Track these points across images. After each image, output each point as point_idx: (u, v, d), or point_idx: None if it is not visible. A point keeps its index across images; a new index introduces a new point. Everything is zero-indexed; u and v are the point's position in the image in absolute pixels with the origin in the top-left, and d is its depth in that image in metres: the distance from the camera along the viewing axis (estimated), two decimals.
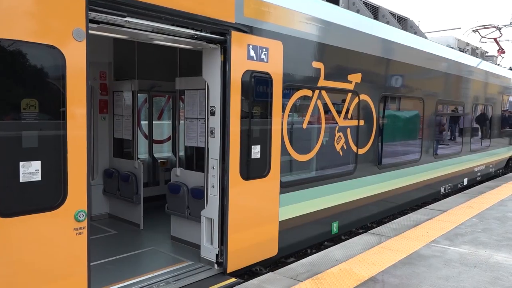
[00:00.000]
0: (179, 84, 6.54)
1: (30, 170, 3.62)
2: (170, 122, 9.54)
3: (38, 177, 3.67)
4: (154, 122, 9.15)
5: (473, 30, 16.53)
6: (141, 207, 7.29)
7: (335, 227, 7.35)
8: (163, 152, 9.87)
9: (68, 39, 3.76)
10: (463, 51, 12.65)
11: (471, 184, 12.79)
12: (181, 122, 10.04)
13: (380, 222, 8.97)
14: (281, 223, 6.14)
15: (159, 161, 9.10)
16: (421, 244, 6.56)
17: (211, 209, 5.50)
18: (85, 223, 3.90)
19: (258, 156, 5.70)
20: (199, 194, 6.01)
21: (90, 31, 3.99)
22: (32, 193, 3.65)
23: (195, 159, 6.59)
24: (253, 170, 5.69)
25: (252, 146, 5.61)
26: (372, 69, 7.98)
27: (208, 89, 5.54)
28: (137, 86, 7.30)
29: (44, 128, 3.72)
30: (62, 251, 3.78)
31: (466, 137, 12.41)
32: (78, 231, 3.86)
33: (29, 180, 3.61)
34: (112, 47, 7.82)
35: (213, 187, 5.45)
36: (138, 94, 8.58)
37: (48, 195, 3.74)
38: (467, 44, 13.54)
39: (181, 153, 8.04)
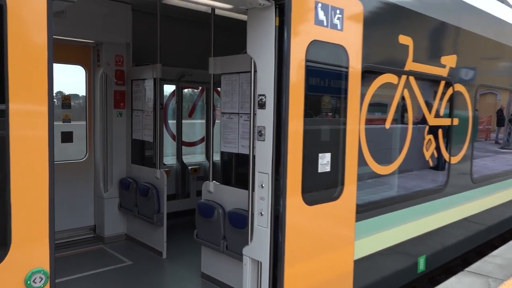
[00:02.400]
0: (213, 66, 4.79)
1: None
2: (204, 121, 7.85)
3: None
4: (184, 120, 7.50)
5: None
6: (164, 230, 5.61)
7: (421, 263, 5.40)
8: (195, 156, 8.20)
9: None
10: None
11: None
12: (216, 121, 8.38)
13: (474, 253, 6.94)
14: (357, 263, 4.28)
15: (189, 167, 7.42)
16: None
17: (258, 248, 3.71)
18: None
19: (328, 169, 3.87)
20: (240, 222, 4.25)
21: None
22: None
23: (235, 170, 4.85)
24: (321, 189, 3.87)
25: (320, 155, 3.79)
26: (471, 51, 5.96)
27: (255, 70, 3.76)
28: (160, 72, 5.62)
29: None
30: None
31: None
32: None
33: None
34: (131, 24, 6.19)
35: (262, 214, 3.66)
36: (164, 85, 6.94)
37: None
38: None
39: (217, 159, 6.33)
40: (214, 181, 4.84)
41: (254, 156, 3.76)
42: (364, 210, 4.36)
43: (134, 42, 6.25)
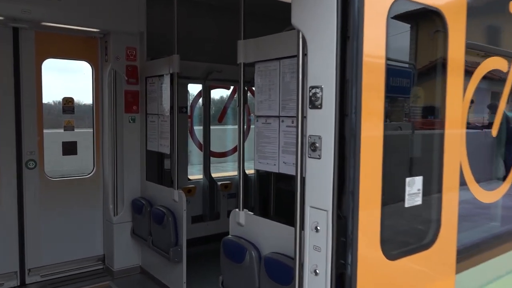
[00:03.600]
0: (243, 51, 3.51)
1: None
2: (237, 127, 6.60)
3: None
4: (213, 126, 6.28)
5: None
6: (183, 267, 4.38)
7: None
8: (226, 169, 6.96)
9: None
10: None
11: None
12: (252, 126, 7.09)
13: None
14: None
15: (219, 183, 6.18)
16: None
17: None
18: None
19: (419, 201, 2.49)
20: (282, 275, 2.93)
21: None
22: None
23: (275, 198, 3.56)
24: (409, 234, 2.51)
25: (408, 181, 2.42)
26: None
27: (304, 52, 2.45)
28: (177, 66, 4.40)
29: None
30: None
31: None
32: None
33: None
34: (145, 9, 5.04)
35: (316, 273, 2.33)
36: (189, 84, 5.77)
37: None
38: None
39: (251, 174, 5.06)
40: (246, 210, 3.55)
41: (303, 181, 2.44)
42: (465, 257, 2.94)
43: (149, 31, 5.08)
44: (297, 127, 2.57)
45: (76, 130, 5.14)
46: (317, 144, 2.31)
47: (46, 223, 4.90)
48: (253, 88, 6.15)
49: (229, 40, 5.12)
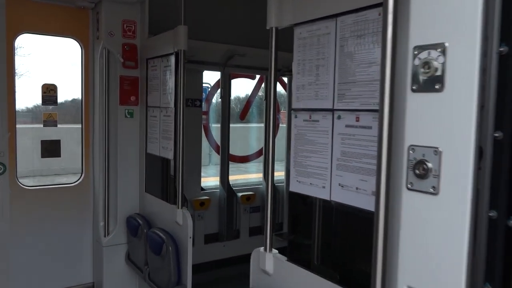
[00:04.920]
0: (276, 9, 2.30)
1: None
2: (263, 125, 5.41)
3: None
4: (234, 124, 5.12)
5: None
6: None
7: None
8: (247, 170, 5.78)
9: None
10: None
11: None
12: (281, 125, 5.92)
13: None
14: None
15: (239, 194, 5.01)
16: None
17: None
18: None
19: None
20: None
21: None
22: None
23: (320, 243, 2.38)
24: None
25: None
26: None
27: None
28: (185, 41, 3.22)
29: None
30: None
31: None
32: None
33: None
34: None
35: None
36: (204, 71, 4.65)
37: None
38: None
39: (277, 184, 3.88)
40: (275, 252, 2.36)
41: (387, 236, 1.25)
42: None
43: (152, 1, 3.95)
44: (380, 128, 1.37)
45: (60, 126, 4.06)
46: (429, 165, 1.12)
47: (17, 246, 3.84)
48: (284, 78, 4.83)
49: (256, 16, 3.98)
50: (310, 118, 2.08)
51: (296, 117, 2.17)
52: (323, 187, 2.01)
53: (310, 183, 2.08)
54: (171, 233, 3.34)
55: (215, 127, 5.29)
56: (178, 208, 3.27)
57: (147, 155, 3.93)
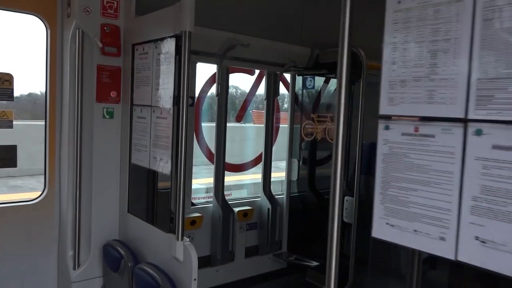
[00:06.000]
0: None
1: None
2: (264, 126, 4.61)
3: None
4: (231, 124, 4.34)
5: None
6: None
7: None
8: (244, 187, 5.02)
9: None
10: None
11: None
12: (281, 125, 5.22)
13: None
14: None
15: (235, 210, 4.25)
16: None
17: None
18: None
19: None
20: None
21: None
22: None
23: None
24: None
25: None
26: None
27: None
28: (191, 20, 2.44)
29: None
30: None
31: None
32: None
33: None
34: None
35: None
36: (198, 62, 3.87)
37: None
38: None
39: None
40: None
41: None
42: None
43: None
44: None
45: (16, 122, 3.16)
46: None
47: None
48: (287, 76, 4.12)
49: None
50: (417, 131, 1.37)
51: (387, 128, 1.45)
52: (442, 238, 1.31)
53: (415, 230, 1.37)
54: (167, 272, 2.56)
55: (206, 127, 4.50)
56: (178, 239, 2.48)
57: (132, 166, 3.10)
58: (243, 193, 5.13)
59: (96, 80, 3.05)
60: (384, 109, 1.46)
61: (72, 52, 3.04)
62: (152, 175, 3.26)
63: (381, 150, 1.46)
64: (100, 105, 3.09)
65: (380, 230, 1.47)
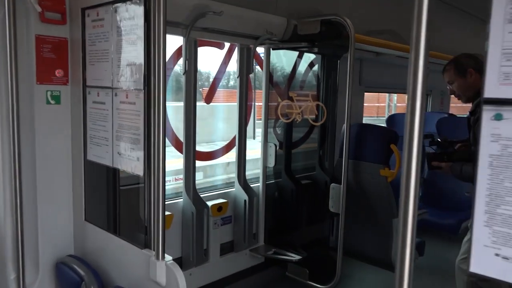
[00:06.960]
0: None
1: None
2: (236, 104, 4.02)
3: None
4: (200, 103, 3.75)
5: None
6: None
7: None
8: (217, 177, 4.47)
9: None
10: None
11: None
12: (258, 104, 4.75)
13: None
14: None
15: (209, 204, 3.72)
16: None
17: None
18: None
19: None
20: None
21: None
22: None
23: None
24: None
25: None
26: None
27: None
28: None
29: None
30: None
31: None
32: None
33: None
34: None
35: None
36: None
37: None
38: None
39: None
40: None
41: None
42: None
43: None
44: None
45: None
46: None
47: None
48: (259, 52, 3.65)
49: None
50: None
51: (499, 118, 0.99)
52: None
53: None
54: None
55: (171, 107, 3.88)
56: (159, 258, 1.94)
57: (87, 163, 2.48)
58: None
59: (35, 56, 2.37)
60: (492, 90, 0.99)
61: (1, 19, 2.32)
62: (108, 174, 2.65)
63: (488, 149, 1.00)
64: (42, 87, 2.42)
65: (485, 263, 1.03)
